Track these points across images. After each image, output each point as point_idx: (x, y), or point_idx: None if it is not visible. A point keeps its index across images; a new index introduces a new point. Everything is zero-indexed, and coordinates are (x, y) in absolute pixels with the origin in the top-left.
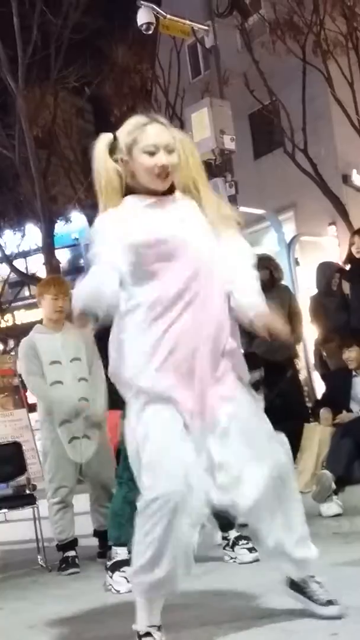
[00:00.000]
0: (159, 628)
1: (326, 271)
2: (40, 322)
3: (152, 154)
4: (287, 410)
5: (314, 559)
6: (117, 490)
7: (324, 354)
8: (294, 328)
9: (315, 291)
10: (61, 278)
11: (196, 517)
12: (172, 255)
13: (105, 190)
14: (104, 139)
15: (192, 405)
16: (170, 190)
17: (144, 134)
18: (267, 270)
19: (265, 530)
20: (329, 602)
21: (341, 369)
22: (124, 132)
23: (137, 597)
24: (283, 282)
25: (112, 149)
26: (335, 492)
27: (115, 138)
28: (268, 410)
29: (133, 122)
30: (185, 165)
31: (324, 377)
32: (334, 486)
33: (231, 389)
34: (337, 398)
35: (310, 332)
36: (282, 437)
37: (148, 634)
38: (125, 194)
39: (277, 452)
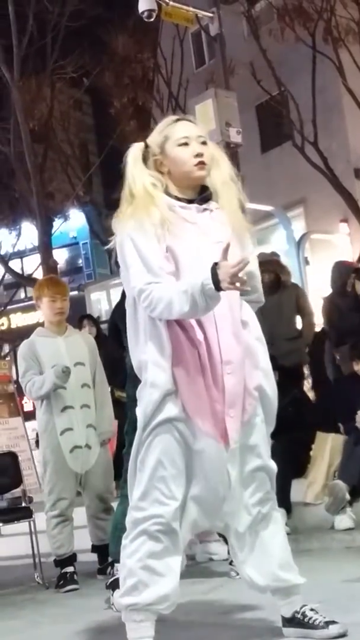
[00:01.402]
0: None
1: (342, 271)
2: (42, 325)
3: (185, 145)
4: (299, 419)
5: (300, 584)
6: (118, 503)
7: (337, 357)
8: (303, 329)
9: (326, 292)
10: (57, 278)
11: (182, 541)
12: (184, 266)
13: (141, 197)
14: (136, 146)
15: (210, 427)
16: (207, 197)
17: (175, 128)
18: (272, 273)
19: (242, 560)
20: (329, 623)
21: (354, 375)
22: (155, 133)
23: (125, 620)
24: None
25: (145, 156)
26: (350, 503)
27: (146, 145)
28: (280, 419)
29: (163, 122)
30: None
31: (336, 381)
32: (348, 497)
33: (249, 412)
34: (349, 405)
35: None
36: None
37: None
38: None
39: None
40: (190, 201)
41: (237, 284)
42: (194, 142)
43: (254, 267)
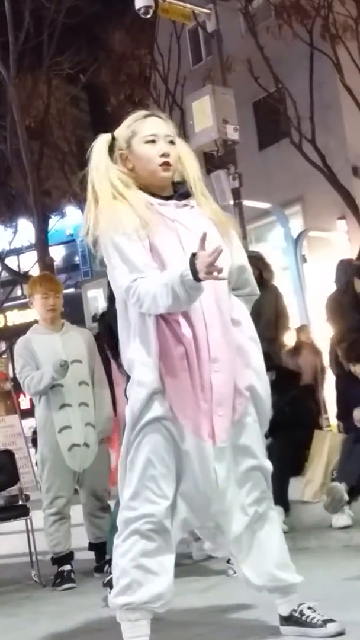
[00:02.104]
0: None
1: (347, 269)
2: (37, 322)
3: (152, 142)
4: (296, 418)
5: (297, 583)
6: (116, 501)
7: (340, 353)
8: (278, 333)
9: (325, 289)
10: (49, 275)
11: (174, 539)
12: (166, 263)
13: (109, 199)
14: (103, 138)
15: (197, 425)
16: (176, 190)
17: (143, 124)
18: (256, 269)
19: (240, 560)
20: (326, 622)
21: (351, 374)
22: (123, 126)
23: (120, 620)
24: (287, 281)
25: (111, 148)
26: (348, 502)
27: (114, 138)
28: (277, 418)
29: (131, 116)
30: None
31: (338, 377)
32: (346, 497)
33: (240, 411)
34: (347, 403)
35: (318, 333)
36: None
37: None
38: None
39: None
40: (168, 197)
41: (215, 273)
42: (162, 140)
43: (244, 260)
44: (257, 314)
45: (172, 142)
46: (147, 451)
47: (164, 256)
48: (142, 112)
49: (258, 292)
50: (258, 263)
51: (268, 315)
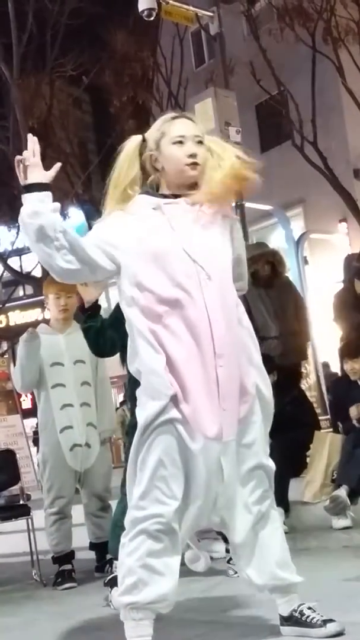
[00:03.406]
0: None
1: (348, 267)
2: (43, 322)
3: (180, 143)
4: (297, 419)
5: (298, 583)
6: (118, 501)
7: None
8: (301, 325)
9: (326, 291)
10: None
11: (181, 541)
12: (165, 265)
13: (123, 185)
14: (134, 139)
15: (206, 424)
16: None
17: (172, 126)
18: (269, 264)
19: (244, 562)
20: (326, 622)
21: (346, 377)
22: (153, 129)
23: (124, 619)
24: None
25: (142, 150)
26: (349, 504)
27: (144, 139)
28: (278, 418)
29: (161, 118)
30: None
31: (336, 379)
32: (348, 502)
33: (246, 408)
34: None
35: (318, 333)
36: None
37: None
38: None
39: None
40: (177, 196)
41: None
42: (190, 141)
43: (242, 253)
44: (281, 309)
45: (200, 142)
46: (158, 452)
47: (167, 261)
48: (171, 114)
49: (246, 288)
50: (273, 258)
51: (291, 310)
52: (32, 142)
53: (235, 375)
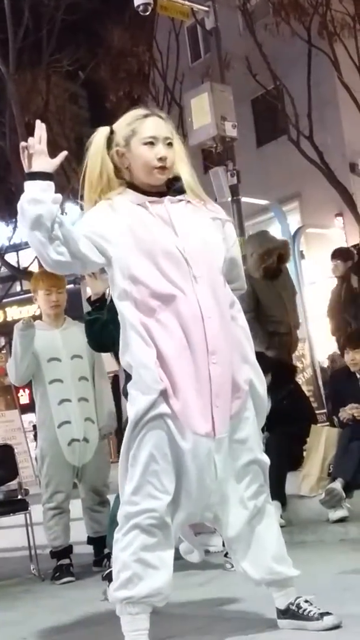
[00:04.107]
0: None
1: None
2: (40, 318)
3: (151, 144)
4: (293, 413)
5: (294, 576)
6: (115, 496)
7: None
8: (297, 316)
9: (322, 284)
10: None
11: (174, 534)
12: (158, 261)
13: (99, 181)
14: (102, 131)
15: (198, 420)
16: (166, 188)
17: (143, 125)
18: (280, 256)
19: (240, 556)
20: (323, 615)
21: (346, 368)
22: (123, 123)
23: (120, 614)
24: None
25: (109, 142)
26: (344, 497)
27: (112, 132)
28: (275, 413)
29: (132, 114)
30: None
31: (333, 373)
32: (343, 495)
33: (239, 404)
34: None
35: (315, 327)
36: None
37: None
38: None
39: (259, 484)
40: (162, 194)
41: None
42: (160, 143)
43: (237, 255)
44: (288, 300)
45: (170, 144)
46: (150, 447)
47: (159, 258)
48: (142, 111)
49: (245, 287)
50: (285, 249)
51: (296, 303)
52: (40, 128)
53: (228, 372)
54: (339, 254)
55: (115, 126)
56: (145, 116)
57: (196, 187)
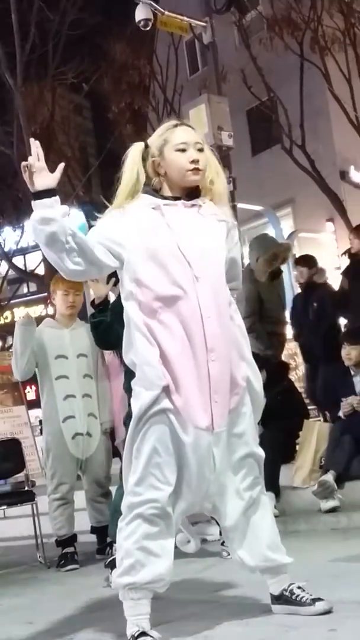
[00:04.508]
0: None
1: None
2: (50, 317)
3: (183, 150)
4: (287, 408)
5: (288, 564)
6: (117, 487)
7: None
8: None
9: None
10: None
11: (175, 524)
12: (162, 263)
13: (130, 192)
14: (137, 146)
15: (198, 416)
16: (196, 194)
17: (174, 134)
18: (281, 260)
19: (236, 545)
20: (315, 601)
21: (342, 364)
22: (155, 135)
23: (123, 599)
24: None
25: (145, 156)
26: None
27: (147, 146)
28: (269, 408)
29: (163, 126)
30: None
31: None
32: (335, 487)
33: (237, 400)
34: (335, 393)
35: None
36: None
37: (143, 633)
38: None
39: (254, 476)
40: (177, 198)
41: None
42: (191, 148)
43: (238, 256)
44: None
45: (200, 150)
46: (152, 440)
47: (163, 260)
48: (173, 122)
49: (241, 287)
50: (289, 252)
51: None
52: (35, 146)
53: (226, 369)
54: (303, 262)
55: (149, 140)
56: (175, 126)
57: (225, 196)
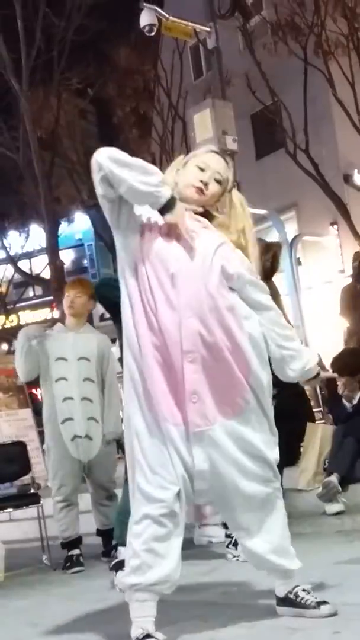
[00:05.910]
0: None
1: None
2: (57, 321)
3: (201, 169)
4: (292, 411)
5: (294, 570)
6: (123, 488)
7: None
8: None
9: (318, 289)
10: (79, 278)
11: (182, 522)
12: (158, 261)
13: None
14: (178, 158)
15: (170, 412)
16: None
17: (205, 155)
18: (270, 258)
19: (243, 537)
20: (320, 604)
21: None
22: (191, 153)
23: (129, 600)
24: (283, 283)
25: (179, 168)
26: (340, 491)
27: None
28: (278, 411)
29: (206, 146)
30: (236, 212)
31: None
32: (339, 488)
33: (242, 403)
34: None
35: (311, 332)
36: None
37: (148, 636)
38: None
39: (268, 471)
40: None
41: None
42: (209, 172)
43: (247, 274)
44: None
45: (218, 181)
46: (152, 440)
47: (156, 256)
48: (213, 147)
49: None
50: (279, 249)
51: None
52: None
53: (214, 372)
54: None
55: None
56: (211, 151)
57: (251, 254)
